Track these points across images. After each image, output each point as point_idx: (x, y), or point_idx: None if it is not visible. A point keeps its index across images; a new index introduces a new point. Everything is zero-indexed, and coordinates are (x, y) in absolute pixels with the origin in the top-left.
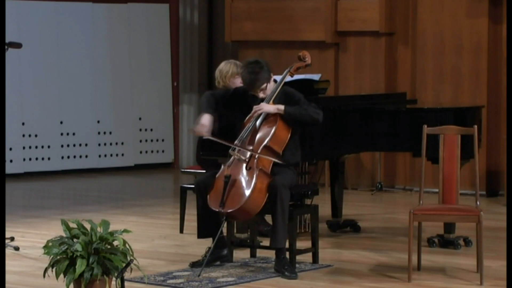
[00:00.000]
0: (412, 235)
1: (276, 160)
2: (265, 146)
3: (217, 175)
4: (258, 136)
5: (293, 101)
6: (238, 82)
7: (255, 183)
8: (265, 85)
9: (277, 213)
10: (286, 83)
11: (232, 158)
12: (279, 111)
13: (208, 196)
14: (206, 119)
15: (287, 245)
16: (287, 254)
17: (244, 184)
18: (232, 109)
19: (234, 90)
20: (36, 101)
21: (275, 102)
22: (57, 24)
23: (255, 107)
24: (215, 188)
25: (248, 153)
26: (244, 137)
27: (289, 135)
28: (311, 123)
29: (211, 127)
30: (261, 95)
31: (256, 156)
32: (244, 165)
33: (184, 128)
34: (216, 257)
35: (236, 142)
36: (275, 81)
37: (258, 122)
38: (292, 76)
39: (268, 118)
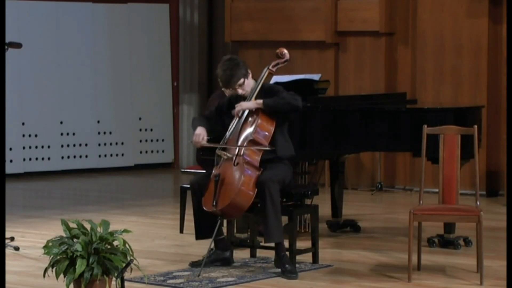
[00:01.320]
0: (412, 235)
1: (261, 148)
2: (250, 140)
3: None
4: (242, 133)
5: (272, 94)
6: None
7: (244, 177)
8: (242, 80)
9: (267, 207)
10: (285, 83)
11: (221, 158)
12: (259, 106)
13: (202, 199)
14: (200, 129)
15: (286, 244)
16: (287, 254)
17: (232, 180)
18: (223, 121)
19: (217, 105)
20: (36, 101)
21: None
22: (57, 24)
23: (236, 107)
24: (208, 190)
25: (235, 150)
26: (229, 136)
27: (273, 127)
28: (291, 110)
29: (206, 135)
30: (240, 91)
31: (242, 150)
32: (232, 162)
33: (184, 128)
34: (217, 258)
35: (221, 142)
36: (255, 80)
37: (241, 121)
38: (272, 74)
39: (250, 114)
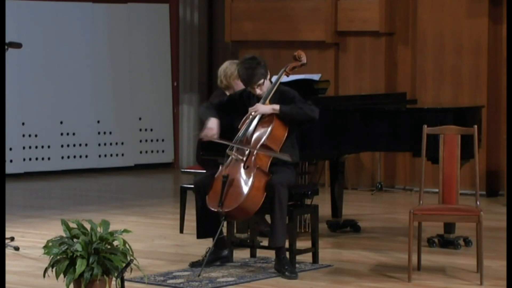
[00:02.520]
0: (412, 235)
1: (275, 155)
2: (262, 145)
3: (216, 176)
4: (255, 136)
5: (288, 99)
6: (241, 85)
7: (253, 182)
8: (262, 80)
9: (275, 212)
10: (285, 83)
11: (230, 158)
12: (275, 111)
13: (207, 197)
14: (213, 123)
15: (287, 244)
16: (287, 254)
17: (242, 183)
18: (230, 113)
19: (229, 96)
20: (36, 101)
21: (271, 102)
22: (57, 24)
23: (251, 109)
24: (214, 188)
25: (246, 152)
26: (241, 137)
27: (286, 134)
28: (308, 121)
29: (218, 130)
30: (258, 91)
31: (254, 154)
32: (242, 164)
33: (184, 128)
34: (216, 257)
35: (233, 142)
36: (271, 81)
37: (254, 123)
38: (288, 76)
39: (264, 117)
